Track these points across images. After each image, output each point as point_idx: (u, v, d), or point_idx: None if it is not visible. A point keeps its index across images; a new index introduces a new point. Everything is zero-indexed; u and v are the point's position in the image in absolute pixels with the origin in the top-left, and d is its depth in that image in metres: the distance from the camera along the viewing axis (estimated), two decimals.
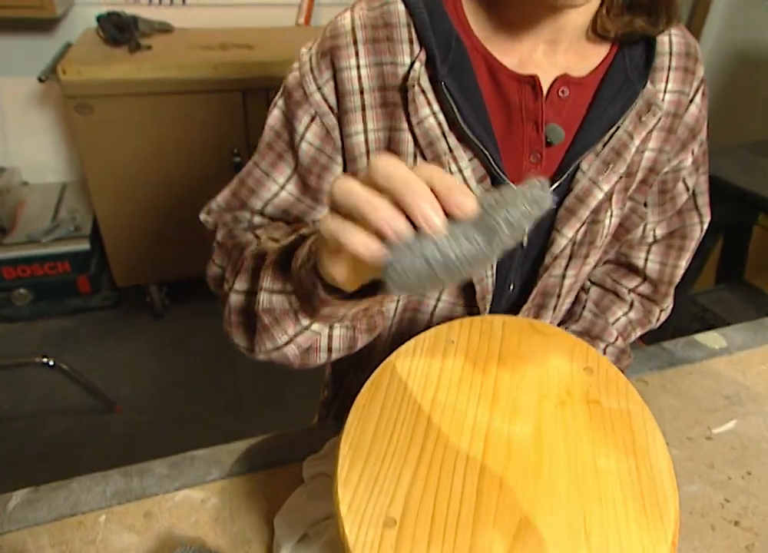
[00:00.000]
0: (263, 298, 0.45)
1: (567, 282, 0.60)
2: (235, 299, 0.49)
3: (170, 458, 0.61)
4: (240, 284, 0.48)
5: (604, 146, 0.54)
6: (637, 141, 0.54)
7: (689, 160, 0.62)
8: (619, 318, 0.68)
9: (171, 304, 2.07)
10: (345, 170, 0.55)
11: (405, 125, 0.50)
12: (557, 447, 0.39)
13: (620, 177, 0.55)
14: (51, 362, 1.62)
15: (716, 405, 0.68)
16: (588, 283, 0.69)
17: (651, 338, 0.80)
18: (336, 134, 0.53)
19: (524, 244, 0.57)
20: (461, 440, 0.39)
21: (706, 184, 0.66)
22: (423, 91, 0.49)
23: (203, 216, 0.60)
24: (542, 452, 0.39)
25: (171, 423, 1.65)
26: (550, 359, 0.46)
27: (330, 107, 0.52)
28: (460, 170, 0.50)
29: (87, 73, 1.53)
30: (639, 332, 0.70)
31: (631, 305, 0.68)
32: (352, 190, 0.30)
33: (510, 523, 0.34)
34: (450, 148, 0.50)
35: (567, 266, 0.59)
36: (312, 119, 0.53)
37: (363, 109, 0.51)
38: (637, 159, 0.57)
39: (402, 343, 0.47)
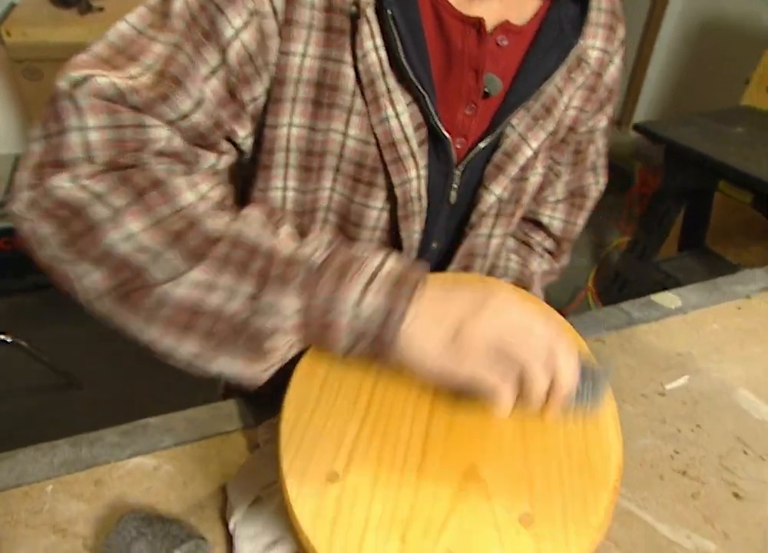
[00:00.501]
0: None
1: (494, 242, 0.59)
2: (186, 291, 0.37)
3: (121, 426, 0.59)
4: (206, 274, 0.37)
5: (534, 101, 0.52)
6: (565, 98, 0.53)
7: (603, 122, 0.62)
8: (536, 269, 0.70)
9: None
10: (269, 94, 0.46)
11: (348, 58, 0.45)
12: None
13: (548, 135, 0.54)
14: (9, 339, 1.57)
15: (670, 363, 0.70)
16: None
17: (611, 302, 0.81)
18: (273, 44, 0.44)
19: (452, 201, 0.55)
20: (408, 396, 0.39)
21: (606, 148, 0.67)
22: (368, 21, 0.44)
23: (64, 85, 0.39)
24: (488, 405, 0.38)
25: (136, 398, 1.63)
26: None
27: (274, 11, 0.43)
28: (397, 115, 0.47)
29: (33, 35, 1.46)
30: (545, 283, 0.73)
31: (541, 256, 0.69)
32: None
33: (455, 473, 0.34)
34: (389, 89, 0.46)
35: (494, 225, 0.58)
36: (252, 16, 0.42)
37: (310, 27, 0.44)
38: (562, 116, 0.56)
39: None
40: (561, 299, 2.15)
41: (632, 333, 0.74)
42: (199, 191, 0.40)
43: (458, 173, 0.53)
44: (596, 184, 0.68)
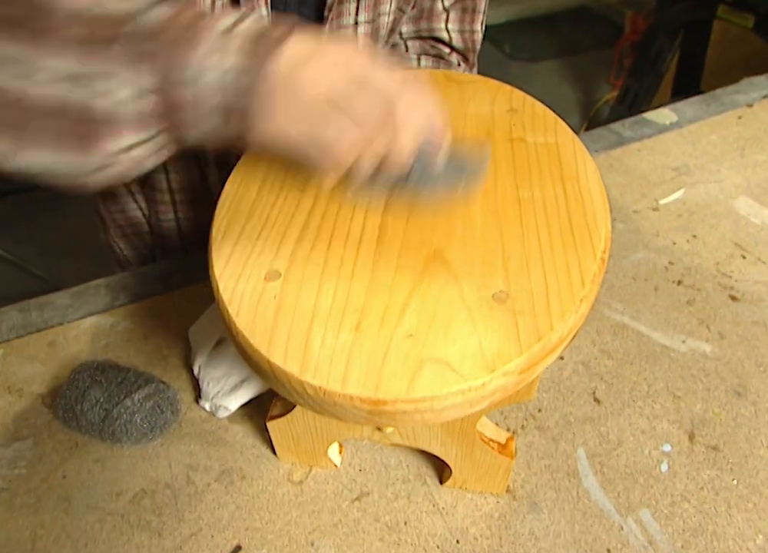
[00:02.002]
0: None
1: (361, 31, 0.51)
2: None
3: (71, 288, 0.55)
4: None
5: None
6: None
7: None
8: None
9: None
10: None
11: None
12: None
13: None
14: None
15: (664, 178, 0.64)
16: (414, 58, 0.61)
17: None
18: None
19: None
20: None
21: None
22: None
23: None
24: None
25: None
26: (468, 105, 0.39)
27: None
28: None
29: None
30: None
31: (459, 65, 0.61)
32: None
33: (417, 259, 0.29)
34: None
35: (357, 10, 0.49)
36: None
37: None
38: None
39: None
40: None
41: (623, 152, 0.67)
42: None
43: None
44: None
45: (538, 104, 0.39)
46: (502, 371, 0.25)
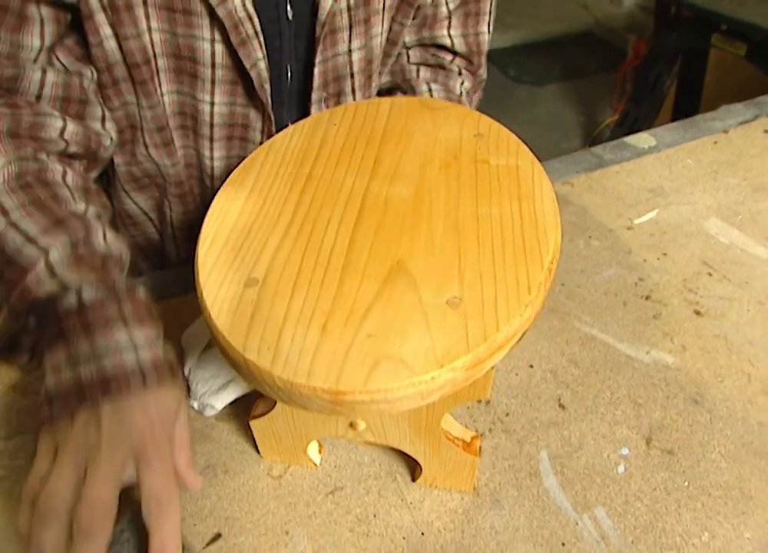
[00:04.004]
0: None
1: (356, 57, 0.54)
2: None
3: None
4: None
5: None
6: None
7: None
8: (461, 91, 0.64)
9: None
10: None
11: None
12: (438, 203, 0.37)
13: None
14: None
15: (640, 199, 0.67)
16: (413, 68, 0.64)
17: None
18: None
19: (289, 17, 0.50)
20: (335, 205, 0.37)
21: None
22: None
23: None
24: (421, 207, 0.36)
25: None
26: (439, 130, 0.43)
27: None
28: None
29: None
30: (476, 103, 0.69)
31: (460, 73, 0.64)
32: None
33: (381, 269, 0.33)
34: None
35: (350, 38, 0.52)
36: None
37: None
38: None
39: (193, 163, 0.42)
40: None
41: (602, 174, 0.71)
42: None
43: None
44: None
45: (503, 129, 0.42)
46: (450, 367, 0.28)
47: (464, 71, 0.65)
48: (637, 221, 0.64)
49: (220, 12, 0.45)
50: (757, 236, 0.61)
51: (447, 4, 0.59)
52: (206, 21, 0.46)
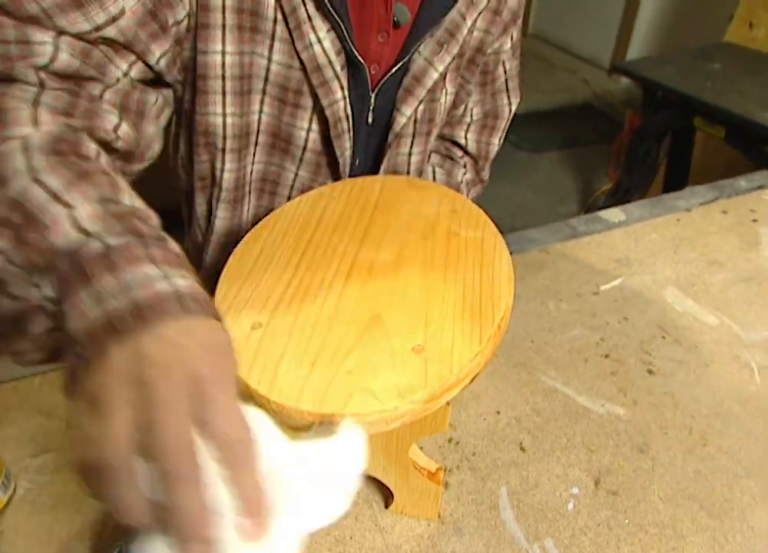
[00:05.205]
0: None
1: (414, 159, 0.65)
2: None
3: None
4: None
5: (438, 27, 0.56)
6: (468, 22, 0.58)
7: (508, 44, 0.66)
8: (461, 179, 0.75)
9: None
10: (195, 19, 0.48)
11: None
12: (414, 267, 0.44)
13: (453, 58, 0.59)
14: None
15: (607, 268, 0.75)
16: (427, 151, 0.75)
17: None
18: None
19: (370, 121, 0.60)
20: (330, 265, 0.45)
21: (517, 69, 0.71)
22: None
23: None
24: (400, 271, 0.44)
25: None
26: (422, 206, 0.51)
27: None
28: (319, 41, 0.51)
29: None
30: (473, 194, 0.78)
31: (465, 166, 0.75)
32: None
33: (362, 320, 0.40)
34: (309, 16, 0.50)
35: (412, 143, 0.63)
36: None
37: None
38: (468, 39, 0.60)
39: (261, 218, 0.51)
40: None
41: (575, 244, 0.79)
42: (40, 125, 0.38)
43: (373, 96, 0.58)
44: (508, 105, 0.73)
45: (474, 206, 0.51)
46: (410, 399, 0.35)
47: (469, 167, 0.76)
48: (604, 287, 0.72)
49: (328, 112, 0.55)
50: (709, 305, 0.69)
51: (472, 115, 0.72)
52: (307, 115, 0.56)
